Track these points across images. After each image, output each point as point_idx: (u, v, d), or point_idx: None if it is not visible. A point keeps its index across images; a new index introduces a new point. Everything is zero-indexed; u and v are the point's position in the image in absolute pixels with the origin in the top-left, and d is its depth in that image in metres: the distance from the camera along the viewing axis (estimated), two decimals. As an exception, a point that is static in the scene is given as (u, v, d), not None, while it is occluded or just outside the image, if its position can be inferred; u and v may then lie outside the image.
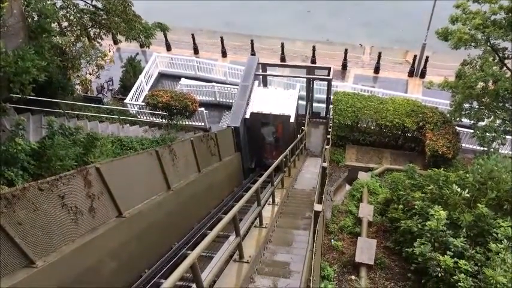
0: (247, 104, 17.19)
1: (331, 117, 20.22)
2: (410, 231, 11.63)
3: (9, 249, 6.82)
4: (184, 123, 20.32)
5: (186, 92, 20.95)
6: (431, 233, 10.37)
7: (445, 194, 11.32)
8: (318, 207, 7.85)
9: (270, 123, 17.55)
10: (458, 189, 10.89)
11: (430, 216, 10.75)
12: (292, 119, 16.99)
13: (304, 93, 21.39)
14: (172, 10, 28.77)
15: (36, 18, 14.10)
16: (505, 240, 9.36)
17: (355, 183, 17.38)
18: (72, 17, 16.93)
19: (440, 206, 10.79)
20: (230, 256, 7.57)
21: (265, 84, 20.50)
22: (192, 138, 12.42)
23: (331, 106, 20.45)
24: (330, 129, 18.94)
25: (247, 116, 16.97)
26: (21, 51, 11.56)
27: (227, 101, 23.19)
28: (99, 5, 17.40)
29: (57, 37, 15.75)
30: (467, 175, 11.79)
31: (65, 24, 17.43)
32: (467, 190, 10.80)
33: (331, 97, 20.42)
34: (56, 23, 17.02)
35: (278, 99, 17.71)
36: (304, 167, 17.13)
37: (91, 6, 17.57)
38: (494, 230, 9.72)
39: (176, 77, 24.42)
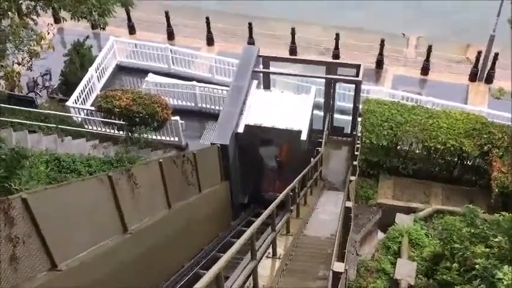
0: (241, 113, 17.42)
1: (359, 134, 20.21)
2: (468, 301, 11.51)
3: None
4: (150, 137, 20.53)
5: (154, 93, 21.30)
6: (498, 305, 10.33)
7: (518, 250, 11.24)
8: (338, 266, 7.94)
9: (273, 142, 17.82)
10: (539, 244, 10.78)
11: (497, 281, 10.75)
12: (304, 136, 16.98)
13: (321, 100, 21.42)
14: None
15: None
16: None
17: (391, 230, 17.36)
18: (-4, -17, 16.93)
19: (511, 268, 10.81)
20: None
21: (267, 86, 20.54)
22: (160, 160, 12.51)
23: (359, 119, 20.52)
24: (356, 152, 18.82)
25: (240, 129, 17.05)
26: None
27: (212, 107, 23.41)
28: (36, -32, 17.41)
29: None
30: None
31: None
32: (550, 245, 10.72)
33: (360, 107, 20.56)
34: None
35: (285, 108, 17.93)
36: (319, 205, 17.19)
37: (24, -30, 17.60)
38: None
39: (141, 72, 24.80)
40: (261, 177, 18.94)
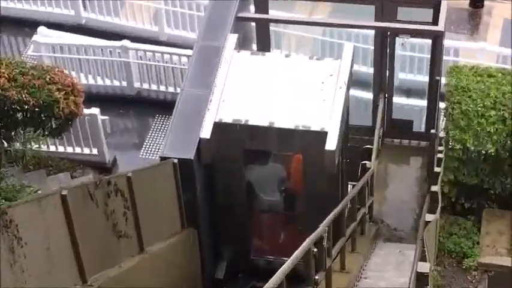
0: (211, 99, 12.50)
1: (441, 134, 15.10)
2: None
3: None
4: (45, 149, 14.94)
5: (50, 64, 15.29)
6: None
7: None
8: None
9: (271, 155, 12.88)
10: None
11: None
12: (332, 143, 11.66)
13: (368, 70, 16.81)
14: None
15: None
16: None
17: None
18: None
19: None
20: None
21: (264, 47, 15.08)
22: (64, 192, 9.53)
23: (441, 106, 15.29)
24: (438, 169, 13.63)
25: (206, 133, 12.02)
26: None
27: (162, 90, 17.42)
28: None
29: None
30: None
31: None
32: None
33: (443, 81, 15.14)
34: None
35: (293, 88, 12.52)
36: (369, 270, 12.57)
37: None
38: None
39: (24, 24, 18.74)
40: (249, 227, 13.34)
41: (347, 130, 13.19)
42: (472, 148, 14.05)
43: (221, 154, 12.14)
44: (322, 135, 11.56)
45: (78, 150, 15.55)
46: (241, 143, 12.20)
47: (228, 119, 12.01)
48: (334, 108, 11.90)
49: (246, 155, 12.38)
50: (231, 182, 12.59)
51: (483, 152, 14.03)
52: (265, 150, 12.56)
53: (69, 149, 15.52)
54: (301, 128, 11.83)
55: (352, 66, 12.66)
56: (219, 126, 11.92)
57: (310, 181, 12.34)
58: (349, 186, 13.72)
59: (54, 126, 13.61)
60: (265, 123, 11.88)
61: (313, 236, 9.20)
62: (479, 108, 14.05)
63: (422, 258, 9.21)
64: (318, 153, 11.60)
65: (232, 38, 12.94)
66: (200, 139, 11.67)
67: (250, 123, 11.91)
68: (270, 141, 12.20)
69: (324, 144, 11.41)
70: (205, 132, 11.75)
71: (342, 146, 12.26)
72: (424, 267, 8.64)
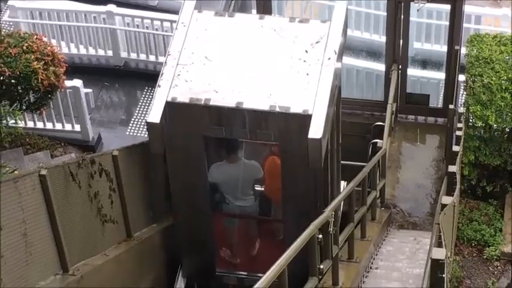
0: (162, 72, 10.00)
1: (461, 110, 13.46)
2: None
3: None
4: (22, 125, 13.65)
5: (28, 31, 13.94)
6: None
7: None
8: None
9: (240, 143, 10.51)
10: None
11: None
12: (318, 129, 9.23)
13: (379, 39, 15.03)
14: None
15: None
16: None
17: None
18: None
19: None
20: None
21: (264, 10, 13.46)
22: (43, 172, 8.41)
23: (461, 79, 13.97)
24: (457, 148, 11.94)
25: (155, 116, 9.51)
26: None
27: (152, 60, 16.07)
28: None
29: None
30: None
31: None
32: None
33: (463, 52, 13.85)
34: None
35: (268, 58, 10.00)
36: (380, 259, 11.62)
37: None
38: None
39: None
40: (214, 235, 10.89)
41: (339, 113, 10.84)
42: (495, 126, 12.79)
43: (175, 143, 9.86)
44: (304, 119, 9.16)
45: (59, 126, 14.07)
46: (201, 129, 9.66)
47: (183, 98, 9.46)
48: (321, 84, 9.47)
49: (208, 144, 10.00)
50: (188, 178, 10.20)
51: (507, 129, 12.81)
52: (231, 139, 10.08)
53: (49, 125, 14.05)
54: (277, 109, 9.30)
55: (345, 31, 10.37)
56: (172, 107, 9.53)
57: (290, 179, 9.93)
58: (342, 185, 11.74)
59: (32, 99, 12.39)
60: (232, 104, 9.32)
61: (317, 222, 7.90)
62: (502, 82, 12.70)
63: (439, 245, 7.50)
64: (300, 143, 9.30)
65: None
66: (147, 123, 9.55)
67: (213, 103, 9.35)
68: (237, 127, 9.61)
69: (307, 131, 9.05)
70: (154, 115, 9.33)
71: (331, 133, 10.04)
72: (440, 253, 6.75)
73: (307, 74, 9.43)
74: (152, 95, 14.01)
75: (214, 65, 9.55)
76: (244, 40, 9.85)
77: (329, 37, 9.69)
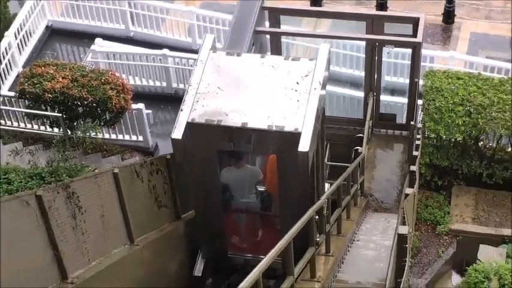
0: (184, 99, 10.75)
1: (419, 125, 15.51)
2: None
3: None
4: (100, 136, 15.36)
5: (104, 69, 15.88)
6: None
7: None
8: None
9: (245, 156, 11.23)
10: None
11: None
12: (305, 143, 9.88)
13: (360, 74, 16.62)
14: None
15: None
16: None
17: (473, 271, 13.45)
18: None
19: None
20: None
21: (277, 52, 15.17)
22: (116, 170, 10.04)
23: (419, 102, 15.79)
24: (416, 153, 14.10)
25: (178, 133, 10.14)
26: None
27: None
28: None
29: None
30: None
31: None
32: None
33: (421, 83, 15.78)
34: None
35: (268, 88, 10.75)
36: (360, 235, 13.23)
37: None
38: None
39: (84, 37, 19.12)
40: (225, 226, 11.73)
41: (323, 130, 11.70)
42: (444, 137, 14.66)
43: (194, 154, 10.72)
44: (295, 136, 9.91)
45: (127, 137, 16.16)
46: (214, 144, 10.52)
47: (200, 119, 10.25)
48: (308, 109, 10.28)
49: (220, 155, 10.81)
50: (205, 182, 11.06)
51: (452, 139, 14.76)
52: (238, 151, 10.81)
53: (120, 137, 16.14)
54: (274, 128, 10.12)
55: (328, 67, 11.19)
56: (191, 127, 10.24)
57: (285, 182, 10.87)
58: (326, 186, 12.66)
59: (108, 118, 14.63)
60: (239, 124, 10.11)
61: (315, 206, 9.46)
62: (449, 105, 14.61)
63: (403, 223, 9.47)
64: (292, 154, 9.96)
65: (209, 38, 11.29)
66: (172, 139, 10.24)
67: (223, 123, 10.14)
68: (243, 142, 10.43)
69: (297, 145, 9.81)
70: (177, 133, 10.12)
71: (317, 146, 10.90)
72: (404, 229, 8.74)
73: (298, 101, 10.24)
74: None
75: (225, 94, 10.30)
76: (249, 74, 10.69)
77: (315, 72, 10.48)
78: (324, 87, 10.50)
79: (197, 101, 10.23)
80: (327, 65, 10.55)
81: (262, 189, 11.28)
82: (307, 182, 10.35)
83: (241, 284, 6.50)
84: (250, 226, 11.84)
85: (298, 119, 9.95)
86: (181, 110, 10.00)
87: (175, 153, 10.39)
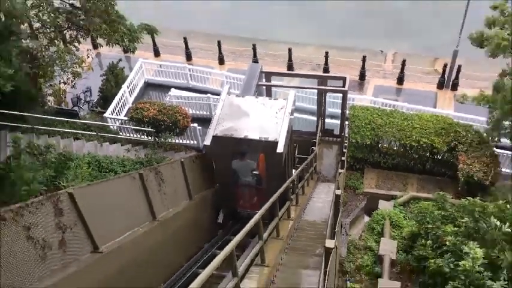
0: (212, 122, 13.73)
1: (346, 135, 20.02)
2: (440, 272, 11.69)
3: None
4: (173, 141, 20.11)
5: (176, 104, 21.00)
6: (465, 274, 10.45)
7: (481, 228, 11.40)
8: (330, 243, 7.84)
9: (247, 154, 14.03)
10: (498, 223, 10.85)
11: (464, 255, 10.81)
12: (280, 147, 12.91)
13: (314, 107, 21.13)
14: (162, 9, 28.98)
15: (3, 19, 14.18)
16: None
17: (375, 214, 17.39)
18: (45, 17, 16.74)
19: (476, 243, 10.80)
20: None
21: (269, 95, 19.91)
22: (182, 160, 12.61)
23: (346, 123, 20.33)
24: (345, 150, 18.70)
25: (207, 141, 13.35)
26: (-17, 57, 11.36)
27: None
28: (77, 4, 17.26)
29: (27, 40, 15.84)
30: (508, 206, 11.79)
31: (37, 25, 17.39)
32: (507, 224, 10.74)
33: (347, 112, 20.35)
34: (27, 24, 17.03)
35: (259, 115, 13.73)
36: (315, 194, 16.78)
37: (67, 5, 17.48)
38: (542, 271, 9.45)
39: (165, 87, 24.50)
40: (235, 194, 14.76)
41: (291, 139, 14.62)
42: (360, 141, 19.49)
43: (217, 153, 13.74)
44: (275, 144, 12.99)
45: (188, 142, 20.99)
46: (229, 148, 13.44)
47: (221, 133, 13.31)
48: (282, 127, 13.39)
49: (232, 154, 13.83)
50: (224, 169, 14.09)
51: (364, 143, 19.59)
52: (243, 152, 13.77)
53: (185, 141, 20.94)
54: (263, 139, 13.12)
55: (294, 103, 14.58)
56: (215, 138, 13.25)
57: (269, 169, 13.87)
58: (293, 171, 15.23)
59: (178, 131, 19.68)
60: (242, 136, 13.13)
61: (290, 180, 12.57)
62: (362, 124, 19.58)
63: (338, 188, 11.45)
64: (273, 152, 12.97)
65: (226, 87, 14.73)
66: (204, 145, 13.60)
67: (234, 136, 13.19)
68: (245, 147, 13.45)
69: (276, 148, 12.86)
70: (207, 141, 13.36)
71: (288, 149, 13.98)
72: (338, 192, 10.73)
73: (277, 123, 13.44)
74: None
75: (235, 119, 13.46)
76: (249, 108, 13.88)
77: (287, 106, 13.80)
78: (292, 114, 13.97)
79: (219, 123, 13.48)
80: (294, 102, 14.47)
81: (256, 173, 14.37)
82: (282, 169, 13.53)
83: (249, 224, 8.56)
84: (250, 194, 14.89)
85: (277, 133, 13.17)
86: (210, 128, 13.50)
87: (207, 154, 14.18)
